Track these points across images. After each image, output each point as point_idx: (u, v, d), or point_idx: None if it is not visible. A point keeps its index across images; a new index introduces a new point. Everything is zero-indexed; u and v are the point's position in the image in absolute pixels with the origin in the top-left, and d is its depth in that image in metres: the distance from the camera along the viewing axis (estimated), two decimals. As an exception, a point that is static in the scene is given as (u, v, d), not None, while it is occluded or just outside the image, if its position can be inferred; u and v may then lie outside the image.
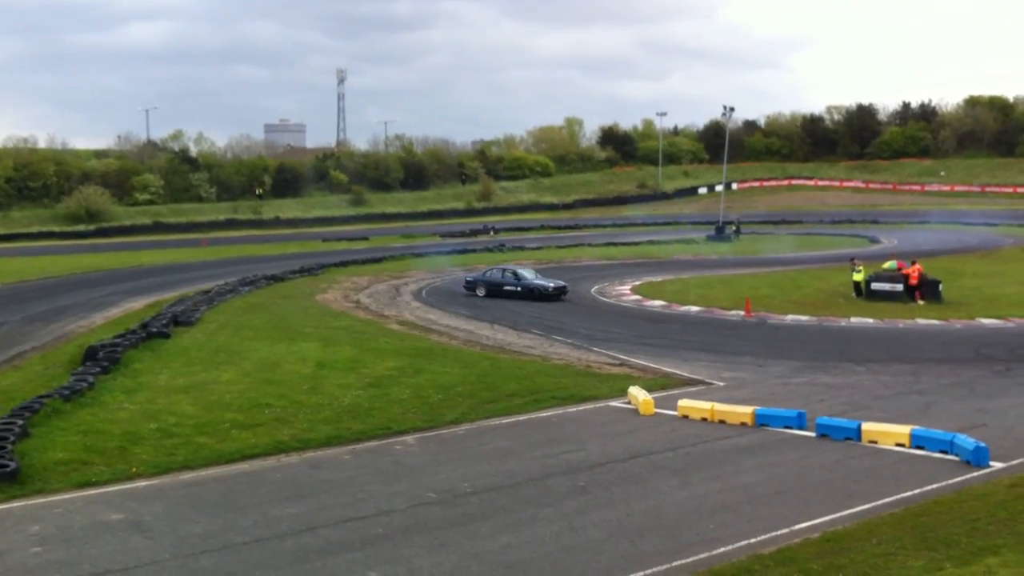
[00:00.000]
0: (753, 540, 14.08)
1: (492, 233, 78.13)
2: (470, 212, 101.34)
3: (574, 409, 22.77)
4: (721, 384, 25.19)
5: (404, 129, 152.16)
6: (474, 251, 63.54)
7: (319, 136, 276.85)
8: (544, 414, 22.31)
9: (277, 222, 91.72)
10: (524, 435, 20.65)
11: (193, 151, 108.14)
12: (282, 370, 26.49)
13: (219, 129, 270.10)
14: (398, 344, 30.74)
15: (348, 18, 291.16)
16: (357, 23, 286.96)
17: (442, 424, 21.28)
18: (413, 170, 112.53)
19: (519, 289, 41.64)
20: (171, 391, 23.87)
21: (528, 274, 42.99)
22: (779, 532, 14.39)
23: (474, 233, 78.10)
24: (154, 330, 31.06)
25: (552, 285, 41.73)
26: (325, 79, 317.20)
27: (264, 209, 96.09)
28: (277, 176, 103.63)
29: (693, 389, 24.56)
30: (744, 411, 21.20)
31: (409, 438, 20.30)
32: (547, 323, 35.20)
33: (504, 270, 43.48)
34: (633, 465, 18.19)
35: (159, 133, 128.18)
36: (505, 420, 21.80)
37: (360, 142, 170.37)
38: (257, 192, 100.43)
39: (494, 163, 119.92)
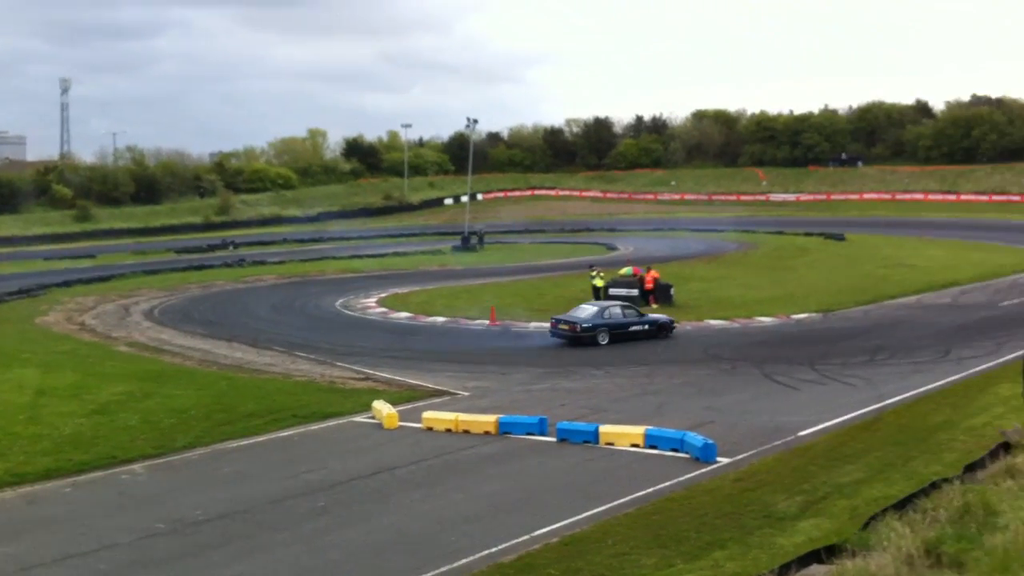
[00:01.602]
0: (495, 549, 14.06)
1: (232, 248, 75.55)
2: (208, 227, 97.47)
3: (316, 427, 22.21)
4: (466, 394, 25.26)
5: (135, 141, 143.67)
6: (212, 267, 61.21)
7: (41, 149, 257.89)
8: (284, 434, 21.63)
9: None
10: (262, 457, 19.98)
11: None
12: (-5, 400, 24.39)
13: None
14: (127, 367, 29.07)
15: (70, 25, 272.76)
16: (80, 30, 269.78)
17: (174, 450, 20.27)
18: (145, 183, 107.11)
19: (647, 327, 33.41)
20: None
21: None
22: (520, 539, 14.44)
23: (212, 248, 75.25)
24: None
25: (670, 318, 34.87)
26: (47, 88, 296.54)
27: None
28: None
29: (438, 400, 24.53)
30: (487, 420, 21.29)
31: (137, 466, 19.25)
32: (289, 339, 34.25)
33: (620, 307, 34.29)
34: (375, 481, 17.86)
35: None
36: (243, 442, 21.00)
37: (87, 155, 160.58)
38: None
39: (233, 176, 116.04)
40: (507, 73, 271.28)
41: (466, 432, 21.07)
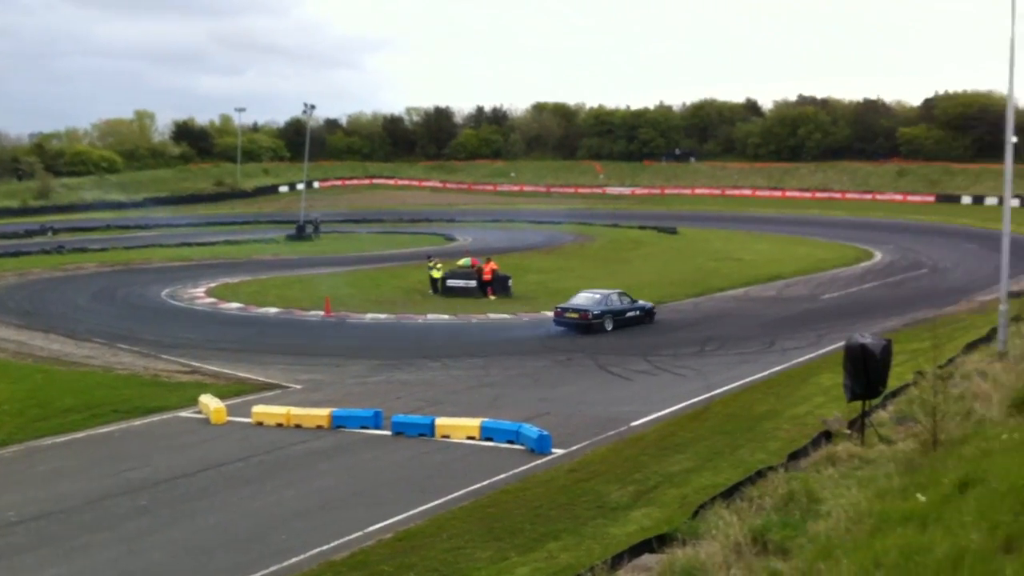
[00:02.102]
0: (326, 547, 13.70)
1: (51, 234, 71.84)
2: (26, 211, 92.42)
3: (139, 422, 21.33)
4: (299, 387, 24.67)
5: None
6: (29, 253, 58.00)
7: None
8: (105, 430, 20.73)
9: None
10: (81, 454, 19.09)
11: None
12: None
13: None
14: (-68, 360, 27.18)
15: None
16: None
17: (-17, 447, 19.09)
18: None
19: (639, 313, 34.01)
20: None
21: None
22: (353, 536, 14.12)
23: (29, 234, 71.37)
24: None
25: (652, 304, 35.46)
26: None
27: None
28: None
29: (270, 394, 23.89)
30: (320, 414, 20.82)
31: (-57, 466, 18.06)
32: (111, 330, 32.74)
33: (616, 294, 34.12)
34: (201, 479, 17.21)
35: None
36: (60, 439, 20.03)
37: None
38: None
39: (54, 158, 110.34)
40: (346, 58, 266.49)
41: (298, 426, 20.58)
